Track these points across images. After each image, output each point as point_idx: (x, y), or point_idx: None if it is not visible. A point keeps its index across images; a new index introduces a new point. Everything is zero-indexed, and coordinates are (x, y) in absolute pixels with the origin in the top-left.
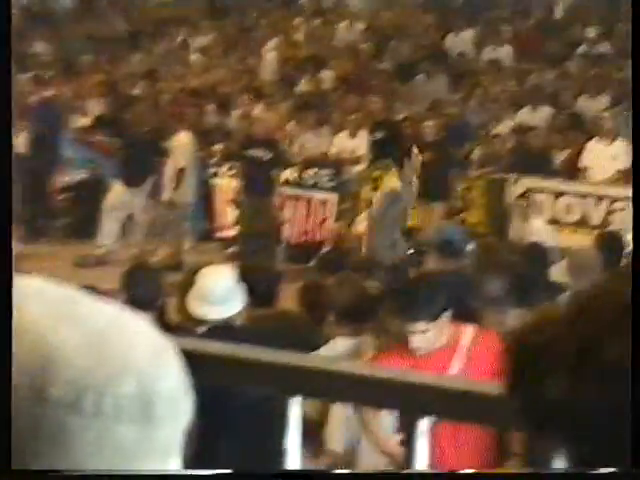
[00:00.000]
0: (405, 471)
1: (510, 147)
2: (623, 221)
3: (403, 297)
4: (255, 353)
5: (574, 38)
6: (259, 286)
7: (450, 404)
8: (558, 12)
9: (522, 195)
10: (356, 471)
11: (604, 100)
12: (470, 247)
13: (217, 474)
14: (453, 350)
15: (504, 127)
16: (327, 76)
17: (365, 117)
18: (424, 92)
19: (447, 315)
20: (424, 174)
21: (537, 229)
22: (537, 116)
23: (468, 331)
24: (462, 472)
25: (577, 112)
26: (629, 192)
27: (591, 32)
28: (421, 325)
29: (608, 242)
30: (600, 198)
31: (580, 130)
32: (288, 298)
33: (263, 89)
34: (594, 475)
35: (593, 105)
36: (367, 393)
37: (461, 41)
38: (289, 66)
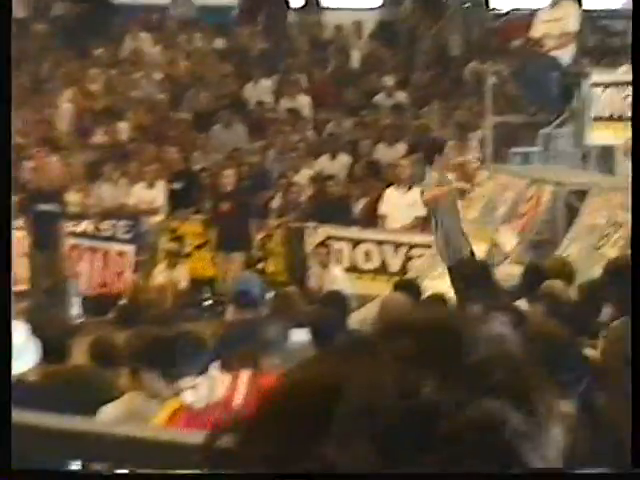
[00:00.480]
0: (405, 471)
1: (309, 195)
2: (422, 268)
3: (163, 355)
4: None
5: (371, 87)
6: (52, 341)
7: None
8: (355, 61)
9: (321, 243)
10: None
11: (401, 148)
12: (268, 296)
13: (217, 474)
14: (230, 399)
15: (303, 176)
16: (124, 127)
17: (163, 168)
18: (223, 141)
19: (216, 366)
20: (223, 224)
21: (336, 277)
22: (336, 164)
23: (245, 377)
24: (462, 472)
25: (375, 160)
26: (427, 238)
27: (388, 81)
28: (188, 381)
29: (406, 289)
30: (398, 245)
31: (378, 178)
32: (81, 352)
33: (58, 140)
34: (594, 475)
35: (390, 153)
36: (150, 456)
37: (260, 90)
38: (85, 117)
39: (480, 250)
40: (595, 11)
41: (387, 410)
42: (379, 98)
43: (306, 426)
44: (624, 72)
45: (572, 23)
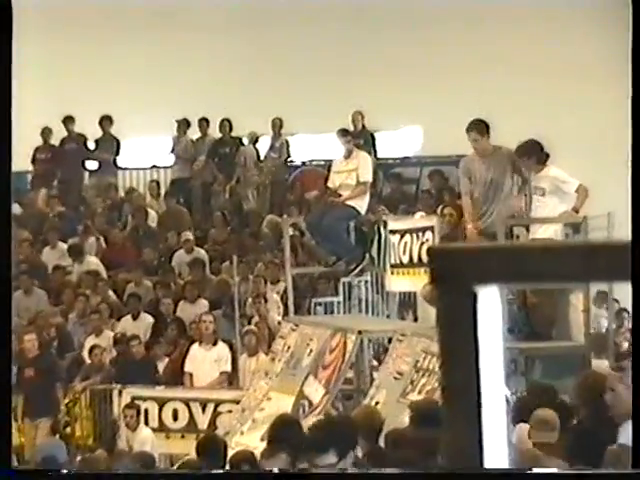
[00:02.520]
0: (405, 471)
1: (113, 357)
2: (230, 424)
3: None
4: None
5: (169, 245)
6: None
7: None
8: (152, 220)
9: (128, 404)
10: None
11: (202, 304)
12: (77, 461)
13: (217, 474)
14: None
15: (105, 337)
16: None
17: None
18: (23, 306)
19: None
20: (28, 390)
21: (144, 438)
22: (138, 324)
23: None
24: (463, 472)
25: (177, 318)
26: (234, 394)
27: (187, 238)
28: None
29: (210, 446)
30: (205, 402)
31: (181, 336)
32: None
33: None
34: (594, 475)
35: (192, 310)
36: None
37: (57, 254)
38: None
39: (287, 403)
40: (388, 159)
41: None
42: (178, 255)
43: None
44: (420, 219)
45: (366, 173)
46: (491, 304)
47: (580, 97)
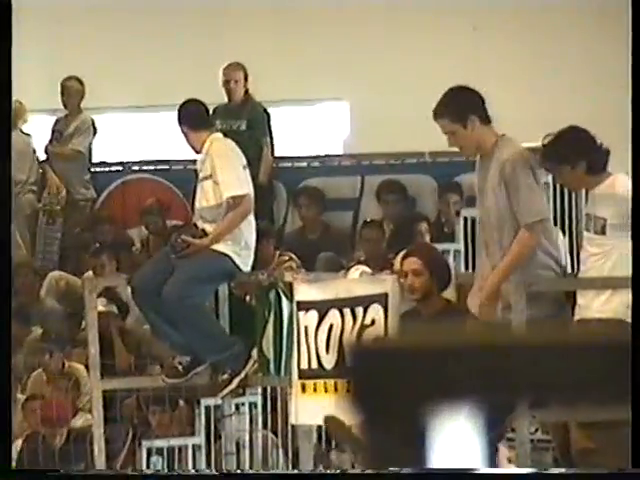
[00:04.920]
0: (405, 471)
1: None
2: None
3: None
4: None
5: None
6: None
7: None
8: None
9: None
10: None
11: None
12: None
13: (217, 474)
14: None
15: None
16: None
17: None
18: None
19: None
20: None
21: None
22: None
23: None
24: (461, 472)
25: None
26: None
27: None
28: None
29: None
30: None
31: None
32: None
33: None
34: (594, 475)
35: None
36: None
37: None
38: None
39: None
40: (297, 159)
41: None
42: None
43: None
44: (359, 279)
45: (232, 181)
46: None
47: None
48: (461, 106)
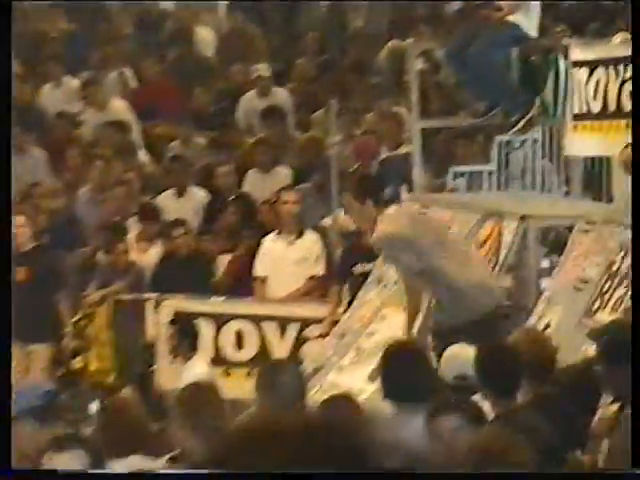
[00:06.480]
0: (405, 471)
1: (145, 253)
2: (322, 355)
3: None
4: None
5: (232, 83)
6: None
7: None
8: (207, 46)
9: (170, 323)
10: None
11: (282, 175)
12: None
13: (217, 474)
14: None
15: (136, 223)
16: None
17: None
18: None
19: None
20: (18, 301)
21: (195, 374)
22: (184, 204)
23: None
24: (462, 472)
25: (243, 195)
26: (327, 311)
27: (259, 72)
28: None
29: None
30: (285, 322)
31: (250, 223)
32: None
33: None
34: (594, 475)
35: (266, 184)
36: None
37: (62, 95)
38: None
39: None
40: None
41: None
42: (246, 99)
43: None
44: (620, 44)
45: None
46: None
47: None
48: None
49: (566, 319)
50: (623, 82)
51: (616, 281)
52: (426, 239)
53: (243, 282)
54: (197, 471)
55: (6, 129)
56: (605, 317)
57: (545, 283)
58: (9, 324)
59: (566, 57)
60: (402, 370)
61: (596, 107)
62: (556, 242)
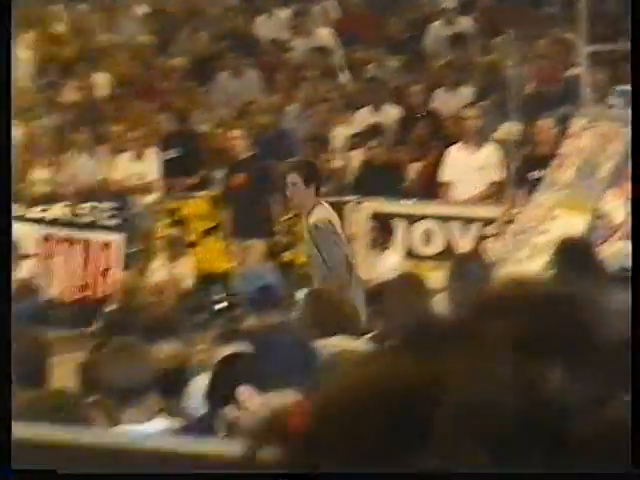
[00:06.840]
0: (406, 471)
1: (348, 162)
2: (501, 250)
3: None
4: None
5: (422, 13)
6: (25, 361)
7: None
8: None
9: (373, 221)
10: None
11: (466, 93)
12: (300, 295)
13: (217, 474)
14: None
15: (338, 135)
16: (100, 79)
17: (153, 131)
18: (230, 93)
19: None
20: (237, 202)
21: (389, 266)
22: (380, 118)
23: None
24: (462, 472)
25: (432, 111)
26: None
27: (446, 3)
28: None
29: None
30: (468, 221)
31: (437, 134)
32: (63, 375)
33: (15, 99)
34: (594, 475)
35: (452, 101)
36: None
37: (274, 25)
38: (50, 67)
39: (578, 224)
40: None
41: (500, 408)
42: (435, 27)
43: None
44: None
45: None
46: None
47: None
48: None
49: None
50: None
51: None
52: None
53: (431, 186)
54: (198, 471)
55: (6, 129)
56: None
57: None
58: (9, 324)
59: None
60: (573, 262)
61: None
62: None
